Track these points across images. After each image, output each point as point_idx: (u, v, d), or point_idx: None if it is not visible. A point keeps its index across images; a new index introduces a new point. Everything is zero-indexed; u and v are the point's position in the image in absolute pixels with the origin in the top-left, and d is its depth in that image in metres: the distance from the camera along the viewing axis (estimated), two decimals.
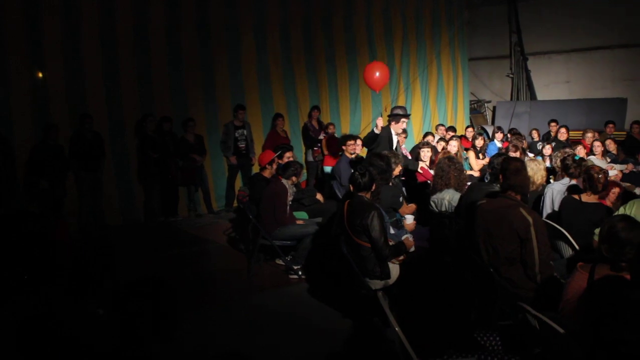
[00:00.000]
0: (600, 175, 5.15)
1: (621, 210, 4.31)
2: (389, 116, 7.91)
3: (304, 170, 10.01)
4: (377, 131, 7.37)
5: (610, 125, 11.74)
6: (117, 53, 8.84)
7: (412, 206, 6.57)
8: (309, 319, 5.28)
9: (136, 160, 9.07)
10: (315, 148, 10.75)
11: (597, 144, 9.51)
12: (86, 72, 8.56)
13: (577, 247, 4.84)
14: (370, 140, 7.47)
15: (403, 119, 7.77)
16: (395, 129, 7.78)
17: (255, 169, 9.46)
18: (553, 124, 11.81)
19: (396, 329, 3.08)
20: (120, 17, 8.80)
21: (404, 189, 7.60)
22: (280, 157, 7.40)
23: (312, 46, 11.39)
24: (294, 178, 6.70)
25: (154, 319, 2.33)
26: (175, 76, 9.48)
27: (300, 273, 6.32)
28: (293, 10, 11.00)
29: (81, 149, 8.29)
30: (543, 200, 6.10)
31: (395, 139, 7.79)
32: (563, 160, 6.25)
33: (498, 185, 4.93)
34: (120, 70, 8.89)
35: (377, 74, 8.69)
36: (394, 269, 4.83)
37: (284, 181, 6.57)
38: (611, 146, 10.11)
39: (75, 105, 8.45)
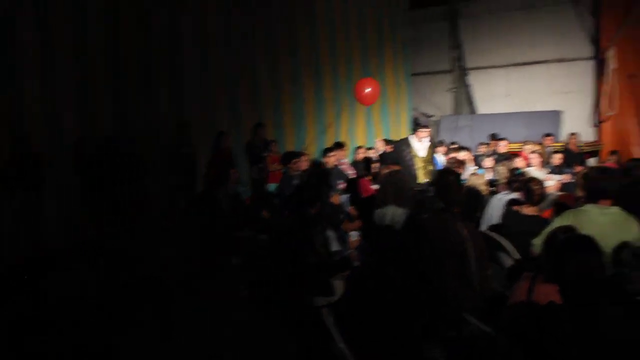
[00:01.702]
0: (536, 187, 5.31)
1: (557, 221, 4.39)
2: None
3: (247, 187, 9.95)
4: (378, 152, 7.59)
5: (549, 138, 12.09)
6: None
7: (357, 223, 6.56)
8: (251, 338, 5.19)
9: None
10: (260, 165, 10.65)
11: (533, 155, 9.73)
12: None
13: (517, 257, 4.92)
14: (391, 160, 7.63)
15: (423, 129, 7.91)
16: (418, 138, 7.96)
17: None
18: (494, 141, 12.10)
19: (340, 345, 3.06)
20: (56, 35, 8.51)
21: (347, 204, 7.62)
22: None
23: (255, 63, 11.29)
24: None
25: None
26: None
27: (246, 291, 6.22)
28: (235, 26, 10.85)
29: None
30: (487, 212, 6.21)
31: (420, 147, 7.84)
32: (510, 173, 6.41)
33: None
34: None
35: (368, 89, 8.76)
36: (339, 284, 4.81)
37: None
38: (556, 159, 10.40)
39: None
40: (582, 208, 4.41)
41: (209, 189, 7.33)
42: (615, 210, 4.17)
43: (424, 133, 7.85)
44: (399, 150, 7.86)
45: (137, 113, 9.34)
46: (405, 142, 7.78)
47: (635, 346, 2.29)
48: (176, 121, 9.67)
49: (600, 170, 4.38)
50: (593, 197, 4.30)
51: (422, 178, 7.92)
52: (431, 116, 17.14)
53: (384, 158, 7.84)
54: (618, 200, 4.30)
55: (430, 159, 7.90)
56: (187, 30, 9.95)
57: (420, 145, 7.87)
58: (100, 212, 8.53)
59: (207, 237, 6.54)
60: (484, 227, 6.16)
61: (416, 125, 7.87)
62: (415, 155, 7.75)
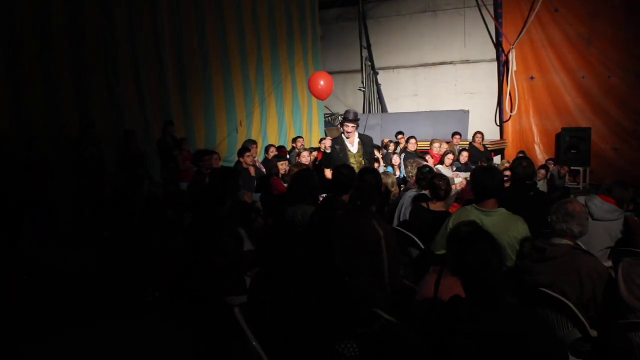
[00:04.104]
0: (441, 183, 5.48)
1: (455, 216, 4.52)
2: (340, 124, 7.87)
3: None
4: (328, 151, 7.39)
5: (457, 137, 12.48)
6: None
7: (269, 221, 6.54)
8: (164, 342, 5.09)
9: None
10: (171, 164, 10.45)
11: (448, 154, 10.06)
12: None
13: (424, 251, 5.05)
14: (327, 162, 7.47)
15: (347, 123, 7.74)
16: (347, 134, 7.73)
17: None
18: (400, 136, 12.35)
19: (254, 344, 3.04)
20: None
21: (259, 203, 7.58)
22: None
23: (164, 59, 11.02)
24: None
25: None
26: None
27: (157, 294, 6.08)
28: (141, 21, 10.53)
29: None
30: (398, 209, 6.34)
31: (350, 143, 7.78)
32: (419, 171, 6.54)
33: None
34: None
35: (322, 83, 8.60)
36: (250, 283, 4.78)
37: None
38: (463, 157, 10.75)
39: None
40: (466, 208, 4.55)
41: (118, 190, 7.10)
42: (500, 211, 4.28)
43: (348, 127, 7.73)
44: (331, 151, 7.77)
45: (38, 112, 8.84)
46: (336, 141, 7.71)
47: (531, 337, 2.38)
48: (80, 121, 9.28)
49: (484, 170, 4.49)
50: (478, 196, 4.43)
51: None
52: (342, 115, 17.31)
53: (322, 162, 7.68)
54: (503, 200, 4.43)
55: (361, 154, 7.83)
56: (92, 24, 9.50)
57: (349, 141, 7.81)
58: None
59: (118, 240, 6.35)
60: (395, 223, 6.29)
61: (343, 120, 7.74)
62: (348, 152, 7.72)
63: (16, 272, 7.19)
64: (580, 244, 3.95)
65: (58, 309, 5.88)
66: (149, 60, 10.61)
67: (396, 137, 12.50)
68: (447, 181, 5.57)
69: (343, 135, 7.70)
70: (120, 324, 5.56)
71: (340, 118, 17.12)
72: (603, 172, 12.61)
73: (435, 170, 7.14)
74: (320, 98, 8.96)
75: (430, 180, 5.75)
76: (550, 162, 11.95)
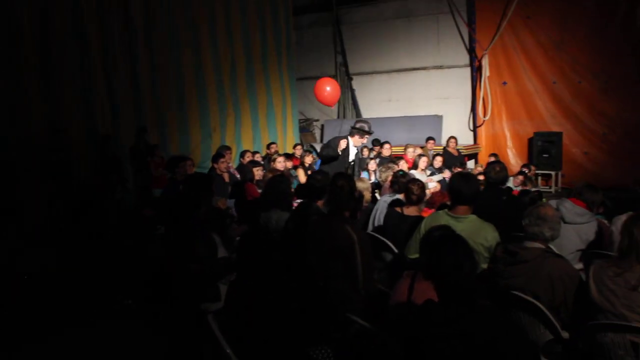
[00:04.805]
0: (414, 187, 5.51)
1: (427, 221, 4.56)
2: (352, 128, 7.90)
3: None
4: (338, 150, 7.46)
5: (431, 141, 12.57)
6: None
7: (243, 227, 6.51)
8: (138, 349, 5.04)
9: None
10: (144, 171, 10.36)
11: (423, 158, 10.11)
12: None
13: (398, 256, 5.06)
14: (328, 159, 7.61)
15: (367, 136, 7.87)
16: (356, 142, 7.85)
17: None
18: (378, 147, 12.38)
19: (228, 350, 3.02)
20: None
21: (233, 209, 7.55)
22: None
23: (137, 65, 10.93)
24: None
25: None
26: None
27: (129, 301, 6.02)
28: (113, 26, 10.40)
29: None
30: (373, 214, 6.35)
31: (353, 151, 7.87)
32: (394, 175, 6.59)
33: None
34: None
35: (328, 89, 8.59)
36: (224, 290, 4.75)
37: None
38: (436, 161, 10.82)
39: None
40: (438, 213, 4.59)
41: (94, 197, 7.03)
42: (471, 218, 4.34)
43: (365, 140, 8.03)
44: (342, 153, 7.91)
45: (7, 117, 8.66)
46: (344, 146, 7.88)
47: (503, 339, 2.40)
48: (50, 126, 9.14)
49: (461, 176, 4.53)
50: (453, 202, 4.48)
51: None
52: (316, 120, 17.35)
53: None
54: (476, 206, 4.48)
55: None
56: (62, 28, 9.38)
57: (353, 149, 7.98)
58: None
59: (91, 246, 6.30)
60: (370, 228, 6.30)
61: (361, 130, 7.87)
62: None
63: None
64: (552, 247, 4.01)
65: (30, 315, 5.80)
66: (121, 66, 10.50)
67: (372, 144, 12.54)
68: (420, 185, 5.59)
69: (350, 142, 7.83)
70: (91, 331, 5.50)
71: (315, 123, 17.16)
72: (574, 176, 12.83)
73: (408, 174, 7.16)
74: (328, 104, 9.04)
75: (404, 184, 5.79)
76: (525, 167, 12.06)
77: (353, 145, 7.92)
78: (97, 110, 9.93)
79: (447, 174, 10.06)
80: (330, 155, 7.74)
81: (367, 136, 7.98)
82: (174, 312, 5.01)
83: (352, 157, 8.00)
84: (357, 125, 7.92)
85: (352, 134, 7.90)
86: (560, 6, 13.16)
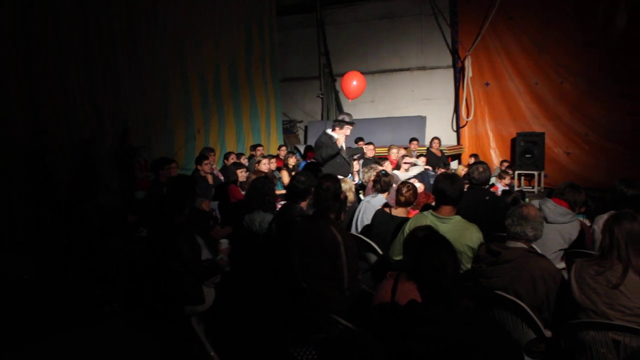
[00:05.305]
0: (403, 189, 5.52)
1: (411, 222, 4.58)
2: (334, 121, 7.91)
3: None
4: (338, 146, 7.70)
5: (414, 142, 12.61)
6: None
7: (227, 229, 6.50)
8: (123, 352, 5.00)
9: None
10: (128, 172, 10.29)
11: (407, 159, 10.16)
12: None
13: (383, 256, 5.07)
14: (329, 159, 7.73)
15: (347, 126, 7.84)
16: (339, 134, 7.87)
17: None
18: (361, 142, 12.39)
19: (211, 353, 3.01)
20: None
21: (217, 211, 7.54)
22: None
23: (117, 62, 10.81)
24: None
25: None
26: None
27: (115, 304, 5.98)
28: (92, 25, 10.26)
29: None
30: (356, 215, 6.36)
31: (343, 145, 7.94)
32: (377, 175, 6.61)
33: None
34: None
35: (354, 82, 8.65)
36: (209, 293, 4.74)
37: None
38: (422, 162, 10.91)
39: None
40: (422, 214, 4.61)
41: (72, 200, 6.96)
42: (456, 219, 4.37)
43: (348, 130, 8.02)
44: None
45: None
46: (333, 142, 7.87)
47: (486, 338, 2.41)
48: (32, 128, 9.04)
49: (446, 176, 4.54)
50: (438, 202, 4.51)
51: None
52: (300, 121, 17.34)
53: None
54: (460, 206, 4.51)
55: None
56: (43, 30, 9.25)
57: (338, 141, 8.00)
58: None
59: (72, 250, 6.24)
60: (353, 229, 6.31)
61: (346, 122, 7.88)
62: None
63: None
64: (534, 246, 4.03)
65: (12, 319, 5.74)
66: (104, 67, 10.38)
67: (356, 142, 12.54)
68: (410, 188, 5.58)
69: (336, 136, 7.84)
70: (76, 335, 5.46)
71: (298, 125, 17.15)
72: (557, 176, 12.96)
73: (393, 175, 7.19)
74: (351, 97, 9.17)
75: (386, 183, 5.81)
76: (505, 162, 12.15)
77: (342, 141, 7.94)
78: (80, 112, 9.83)
79: (422, 160, 10.31)
80: (331, 154, 7.76)
81: (349, 127, 7.96)
82: (159, 314, 4.99)
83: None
84: (339, 118, 7.95)
85: (332, 128, 7.92)
86: (541, 8, 13.26)
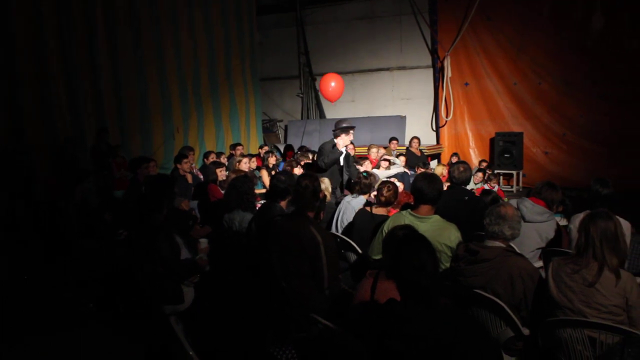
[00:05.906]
0: (384, 189, 5.54)
1: (390, 222, 4.60)
2: (336, 129, 7.93)
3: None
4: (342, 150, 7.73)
5: (394, 142, 12.65)
6: None
7: (206, 228, 6.48)
8: (102, 353, 4.96)
9: None
10: (105, 171, 10.20)
11: (384, 159, 10.20)
12: None
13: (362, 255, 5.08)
14: (332, 164, 7.79)
15: (351, 131, 7.90)
16: (344, 142, 7.89)
17: None
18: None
19: (190, 353, 3.00)
20: None
21: (196, 210, 7.51)
22: None
23: (97, 64, 10.70)
24: None
25: None
26: None
27: (91, 305, 5.93)
28: (76, 28, 10.19)
29: None
30: (337, 215, 6.36)
31: (343, 150, 7.94)
32: (357, 177, 6.63)
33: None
34: None
35: (333, 84, 8.57)
36: (189, 292, 4.72)
37: None
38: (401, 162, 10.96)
39: None
40: (401, 213, 4.63)
41: (51, 199, 6.91)
42: (434, 218, 4.40)
43: (352, 135, 8.10)
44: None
45: None
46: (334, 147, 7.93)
47: (464, 336, 2.43)
48: (11, 128, 8.95)
49: (425, 176, 4.57)
50: (416, 201, 4.53)
51: None
52: (280, 121, 17.33)
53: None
54: (439, 206, 4.54)
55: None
56: (22, 29, 9.18)
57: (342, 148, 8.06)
58: None
59: (51, 248, 6.19)
60: (333, 229, 6.31)
61: (347, 128, 7.95)
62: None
63: None
64: (512, 245, 4.06)
65: None
66: (82, 65, 10.29)
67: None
68: (391, 188, 5.59)
69: (339, 142, 7.87)
70: (52, 338, 5.40)
71: (278, 124, 17.13)
72: (535, 175, 13.07)
73: (373, 174, 7.20)
74: (333, 99, 9.11)
75: (366, 185, 5.82)
76: (484, 162, 12.25)
77: (342, 146, 7.96)
78: (57, 111, 9.73)
79: (401, 160, 10.37)
80: (335, 158, 7.80)
81: (351, 131, 8.03)
82: (137, 314, 4.95)
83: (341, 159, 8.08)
84: (341, 125, 7.98)
85: (337, 135, 7.93)
86: (519, 9, 13.39)
